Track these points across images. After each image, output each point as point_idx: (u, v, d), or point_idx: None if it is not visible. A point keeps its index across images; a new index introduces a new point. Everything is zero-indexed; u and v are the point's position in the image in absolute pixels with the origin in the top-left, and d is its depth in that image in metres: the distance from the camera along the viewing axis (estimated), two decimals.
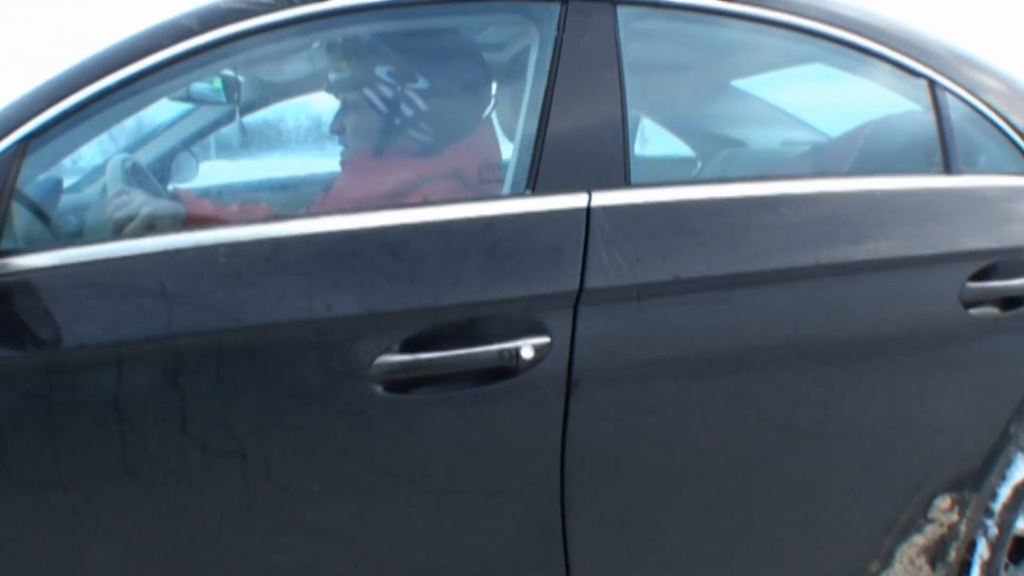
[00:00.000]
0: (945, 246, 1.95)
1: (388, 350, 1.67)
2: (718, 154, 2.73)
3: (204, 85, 2.24)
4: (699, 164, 2.86)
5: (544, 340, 1.72)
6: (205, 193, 2.46)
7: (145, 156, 2.53)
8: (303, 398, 1.67)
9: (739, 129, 2.78)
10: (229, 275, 1.67)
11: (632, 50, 1.95)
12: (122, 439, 1.62)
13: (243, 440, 1.65)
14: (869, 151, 2.17)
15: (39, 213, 1.81)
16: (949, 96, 2.07)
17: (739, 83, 2.61)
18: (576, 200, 1.79)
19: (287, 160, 2.68)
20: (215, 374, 1.64)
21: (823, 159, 2.39)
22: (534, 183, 1.82)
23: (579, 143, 1.85)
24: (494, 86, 2.22)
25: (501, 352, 1.70)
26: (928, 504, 1.98)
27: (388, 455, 1.71)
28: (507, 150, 2.00)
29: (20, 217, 1.73)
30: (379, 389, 1.67)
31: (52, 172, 1.93)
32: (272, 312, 1.66)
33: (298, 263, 1.70)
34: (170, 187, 2.13)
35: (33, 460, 1.63)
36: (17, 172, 1.69)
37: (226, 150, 2.71)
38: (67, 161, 2.10)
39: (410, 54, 2.10)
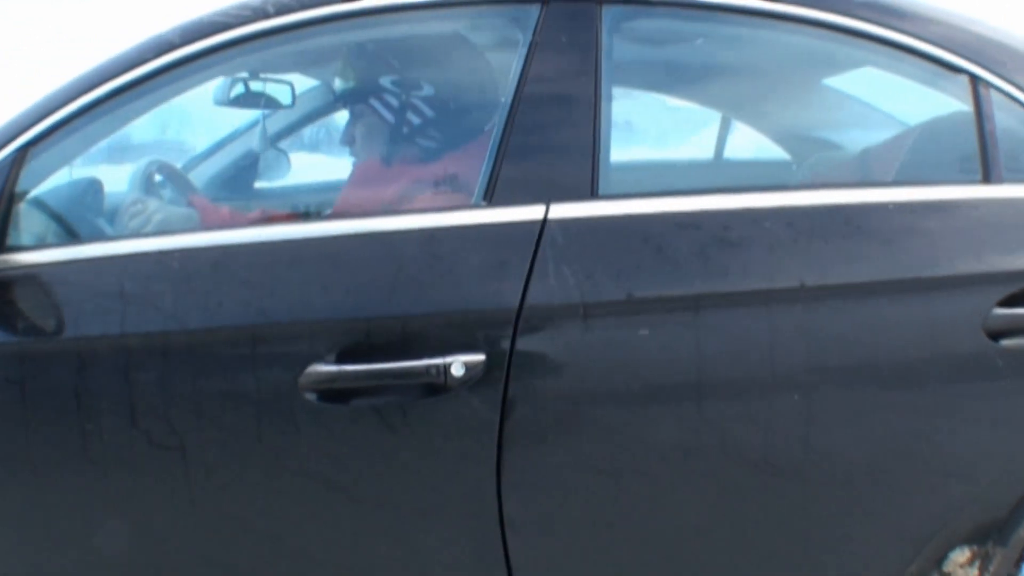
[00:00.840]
0: (968, 266, 1.74)
1: (319, 359, 1.70)
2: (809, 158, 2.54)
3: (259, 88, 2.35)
4: (794, 167, 2.66)
5: (478, 358, 1.69)
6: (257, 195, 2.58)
7: (226, 157, 2.70)
8: (238, 401, 1.73)
9: (833, 131, 2.57)
10: (179, 280, 1.76)
11: (623, 50, 1.87)
12: (81, 427, 1.74)
13: (184, 436, 1.73)
14: (915, 158, 1.97)
15: (59, 213, 1.97)
16: (994, 94, 1.83)
17: (829, 81, 2.41)
18: (530, 212, 1.74)
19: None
20: (160, 373, 1.74)
21: (867, 167, 2.17)
22: (491, 194, 1.79)
23: (542, 152, 1.80)
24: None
25: (428, 368, 1.69)
26: (942, 556, 1.79)
27: (318, 462, 1.74)
28: None
29: (29, 217, 1.89)
30: (311, 397, 1.70)
31: (88, 174, 2.12)
32: (212, 317, 1.74)
33: (242, 270, 1.77)
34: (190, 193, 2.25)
35: (8, 439, 1.77)
36: (16, 177, 1.83)
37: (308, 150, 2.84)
38: None
39: (413, 61, 2.11)
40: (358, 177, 2.19)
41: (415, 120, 2.13)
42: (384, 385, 1.72)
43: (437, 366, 1.68)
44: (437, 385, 1.69)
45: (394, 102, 2.14)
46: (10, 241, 1.83)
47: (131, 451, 1.74)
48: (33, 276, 1.81)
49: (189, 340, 1.74)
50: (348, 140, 2.23)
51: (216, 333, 1.74)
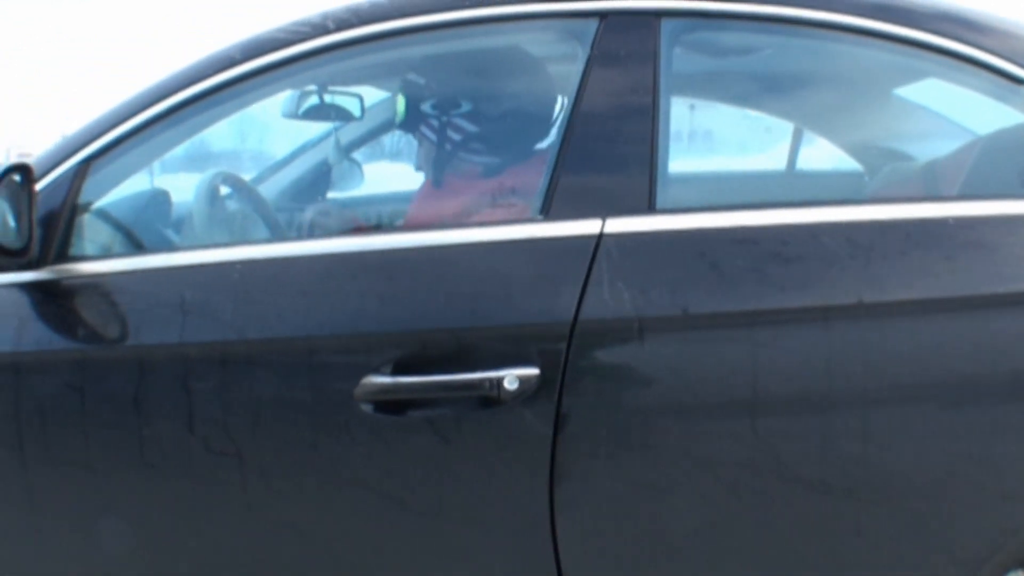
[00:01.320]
0: None
1: (374, 371, 1.71)
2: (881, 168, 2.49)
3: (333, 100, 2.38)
4: (866, 178, 2.61)
5: (531, 372, 1.68)
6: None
7: (299, 168, 2.73)
8: (294, 410, 1.75)
9: (905, 141, 2.50)
10: (239, 291, 1.79)
11: (682, 63, 1.85)
12: (139, 432, 1.78)
13: (240, 444, 1.76)
14: (980, 171, 1.91)
15: (123, 224, 2.03)
16: None
17: (901, 91, 2.36)
18: (586, 227, 1.73)
19: None
20: (219, 381, 1.77)
21: (933, 179, 2.12)
22: (548, 208, 1.78)
23: (600, 166, 1.79)
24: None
25: (482, 381, 1.69)
26: None
27: (372, 472, 1.75)
28: None
29: (93, 228, 1.94)
30: (366, 408, 1.71)
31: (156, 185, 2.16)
32: (270, 328, 1.76)
33: (301, 282, 1.79)
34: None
35: (68, 442, 1.82)
36: (78, 189, 1.89)
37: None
38: None
39: (451, 79, 2.14)
40: (422, 195, 2.21)
41: (456, 137, 2.15)
42: (438, 397, 1.73)
43: (491, 379, 1.68)
44: (491, 398, 1.69)
45: (436, 124, 2.16)
46: (73, 250, 1.89)
47: (188, 457, 1.78)
48: (95, 285, 1.86)
49: (247, 350, 1.77)
50: (419, 166, 2.26)
51: (274, 343, 1.76)
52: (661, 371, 1.70)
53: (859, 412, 1.68)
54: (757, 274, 1.70)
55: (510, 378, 1.68)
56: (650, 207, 1.76)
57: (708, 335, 1.70)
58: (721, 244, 1.72)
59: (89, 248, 1.93)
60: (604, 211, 1.74)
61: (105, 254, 1.94)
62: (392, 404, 1.73)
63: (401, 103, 2.20)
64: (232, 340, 1.77)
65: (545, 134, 2.07)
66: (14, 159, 1.91)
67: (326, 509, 1.78)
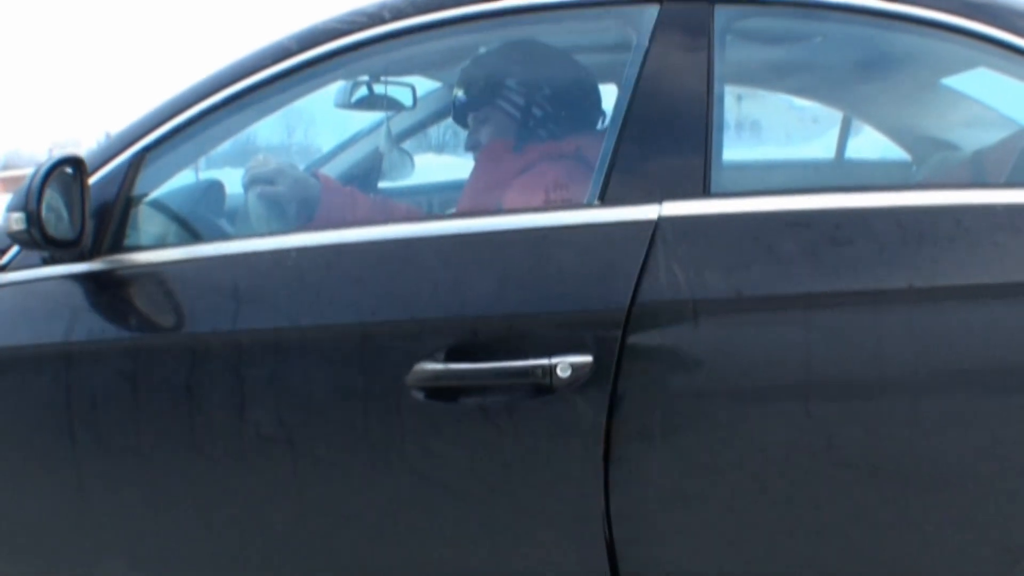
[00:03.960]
0: None
1: (427, 357, 1.71)
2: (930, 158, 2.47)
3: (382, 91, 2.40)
4: (914, 168, 2.60)
5: (585, 359, 1.67)
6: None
7: (349, 158, 2.75)
8: (345, 397, 1.76)
9: (952, 131, 2.49)
10: (293, 278, 1.80)
11: (736, 50, 1.84)
12: (191, 419, 1.80)
13: (291, 430, 1.77)
14: None
15: (178, 214, 2.05)
16: None
17: (948, 81, 2.36)
18: (642, 212, 1.72)
19: None
20: (271, 368, 1.78)
21: (980, 168, 2.10)
22: (603, 193, 1.78)
23: (655, 152, 1.78)
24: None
25: (534, 368, 1.68)
26: None
27: (424, 459, 1.75)
28: None
29: (148, 218, 1.97)
30: (417, 395, 1.71)
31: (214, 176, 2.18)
32: (323, 314, 1.77)
33: (354, 268, 1.80)
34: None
35: (118, 429, 1.85)
36: (134, 180, 1.92)
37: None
38: None
39: (525, 65, 2.14)
40: (487, 157, 2.23)
41: (539, 113, 2.18)
42: (490, 384, 1.72)
43: (543, 367, 1.67)
44: (543, 386, 1.68)
45: (520, 100, 2.18)
46: (128, 241, 1.91)
47: (239, 443, 1.79)
48: (149, 274, 1.87)
49: (300, 337, 1.77)
50: (473, 146, 2.27)
51: (327, 330, 1.77)
52: (715, 354, 1.68)
53: (909, 397, 1.66)
54: (810, 257, 1.68)
55: (563, 366, 1.67)
56: (705, 191, 1.76)
57: (762, 318, 1.69)
58: (775, 227, 1.71)
59: (144, 239, 1.95)
60: (660, 195, 1.74)
61: (159, 244, 1.96)
62: (444, 391, 1.73)
63: (464, 83, 2.21)
64: (285, 327, 1.78)
65: (604, 119, 2.07)
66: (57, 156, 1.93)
67: (376, 495, 1.78)
